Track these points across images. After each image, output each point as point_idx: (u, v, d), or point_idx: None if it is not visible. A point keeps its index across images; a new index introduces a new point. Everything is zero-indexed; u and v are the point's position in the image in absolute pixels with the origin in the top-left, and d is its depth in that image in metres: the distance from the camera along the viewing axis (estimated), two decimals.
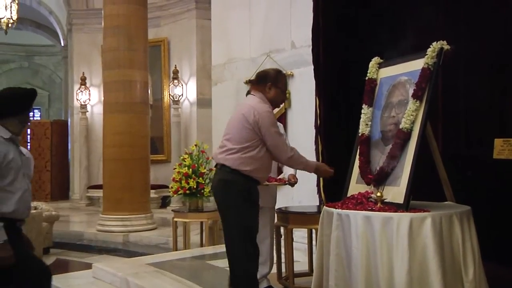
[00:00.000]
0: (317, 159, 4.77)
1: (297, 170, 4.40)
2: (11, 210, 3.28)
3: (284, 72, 6.26)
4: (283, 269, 4.57)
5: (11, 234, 3.25)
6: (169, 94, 11.96)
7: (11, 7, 11.99)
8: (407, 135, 3.29)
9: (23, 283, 3.31)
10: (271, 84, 3.70)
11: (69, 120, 14.50)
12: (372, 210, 3.16)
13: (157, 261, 5.86)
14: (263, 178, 3.71)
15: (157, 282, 4.94)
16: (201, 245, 7.28)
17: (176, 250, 7.13)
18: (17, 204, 3.31)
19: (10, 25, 12.15)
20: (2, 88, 3.60)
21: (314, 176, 4.83)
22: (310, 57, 5.02)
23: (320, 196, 4.80)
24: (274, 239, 4.54)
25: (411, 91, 3.37)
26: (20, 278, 3.30)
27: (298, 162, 3.71)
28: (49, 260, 7.57)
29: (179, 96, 11.85)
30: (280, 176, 4.49)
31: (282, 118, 6.15)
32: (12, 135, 3.37)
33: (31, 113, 3.61)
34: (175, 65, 11.95)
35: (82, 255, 8.28)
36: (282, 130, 4.52)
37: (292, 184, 4.43)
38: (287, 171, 4.38)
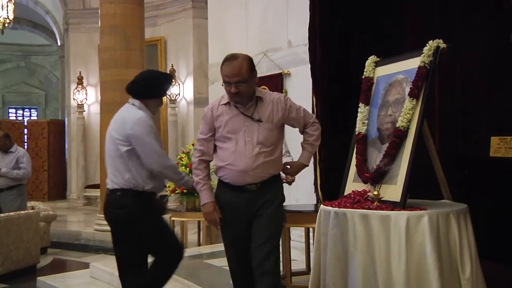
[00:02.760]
0: (314, 158, 4.78)
1: None
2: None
3: (281, 70, 6.30)
4: (281, 268, 4.57)
5: None
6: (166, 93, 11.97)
7: (7, 6, 11.96)
8: (403, 133, 3.29)
9: None
10: None
11: (66, 119, 14.49)
12: (369, 208, 3.17)
13: None
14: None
15: None
16: (199, 244, 7.27)
17: None
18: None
19: (6, 24, 12.11)
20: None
21: (311, 175, 4.85)
22: (307, 56, 5.03)
23: (317, 195, 4.81)
24: None
25: (407, 90, 3.38)
26: None
27: None
28: (46, 260, 7.56)
29: (176, 95, 11.85)
30: None
31: None
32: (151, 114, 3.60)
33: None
34: (172, 64, 11.94)
35: (80, 255, 8.27)
36: None
37: (290, 183, 4.43)
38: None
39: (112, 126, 3.60)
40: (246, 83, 3.06)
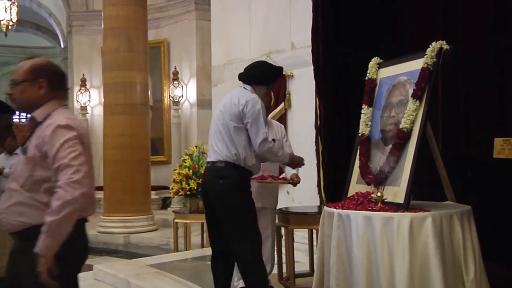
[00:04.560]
0: (318, 159, 4.77)
1: (299, 170, 4.41)
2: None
3: (284, 73, 6.30)
4: (284, 270, 4.57)
5: None
6: (169, 95, 11.97)
7: (11, 9, 12.03)
8: (407, 135, 3.29)
9: None
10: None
11: None
12: (372, 210, 3.17)
13: (158, 262, 5.87)
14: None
15: (158, 283, 4.95)
16: (202, 246, 7.28)
17: (177, 251, 7.14)
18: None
19: (10, 27, 12.19)
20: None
21: (315, 176, 4.84)
22: (310, 58, 5.02)
23: (320, 197, 4.80)
24: (275, 240, 4.55)
25: (411, 91, 3.38)
26: None
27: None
28: None
29: (179, 97, 11.86)
30: (282, 176, 4.49)
31: (282, 119, 6.15)
32: None
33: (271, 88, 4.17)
34: (175, 66, 11.96)
35: None
36: (283, 130, 4.57)
37: (295, 184, 4.44)
38: (289, 170, 4.38)
39: (224, 102, 3.89)
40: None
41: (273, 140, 4.00)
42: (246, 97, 3.76)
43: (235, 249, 3.71)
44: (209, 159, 3.86)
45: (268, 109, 5.16)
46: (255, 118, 3.69)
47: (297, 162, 4.09)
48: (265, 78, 3.97)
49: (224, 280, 3.90)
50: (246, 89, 3.88)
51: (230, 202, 3.68)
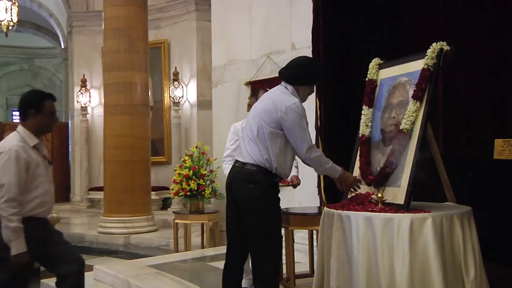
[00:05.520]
0: None
1: (299, 171, 4.40)
2: None
3: None
4: (284, 271, 4.57)
5: None
6: (170, 96, 11.96)
7: (11, 9, 12.02)
8: (407, 136, 3.29)
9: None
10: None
11: (69, 122, 14.50)
12: (372, 211, 3.17)
13: (158, 262, 5.86)
14: None
15: (158, 284, 4.94)
16: (202, 246, 7.28)
17: (177, 251, 7.14)
18: None
19: (10, 27, 12.17)
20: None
21: (315, 178, 4.85)
22: None
23: (320, 197, 4.81)
24: None
25: (411, 92, 3.38)
26: None
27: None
28: None
29: (180, 97, 11.85)
30: None
31: None
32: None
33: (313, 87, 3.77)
34: (175, 67, 11.95)
35: (83, 257, 8.25)
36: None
37: (295, 186, 4.44)
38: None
39: (261, 105, 3.59)
40: None
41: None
42: (287, 102, 3.43)
43: (255, 257, 3.55)
44: (238, 158, 3.60)
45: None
46: (296, 126, 3.41)
47: (349, 182, 3.56)
48: (310, 79, 3.62)
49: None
50: (287, 89, 3.56)
51: (258, 209, 3.48)
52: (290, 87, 3.55)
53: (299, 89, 3.55)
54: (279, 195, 3.60)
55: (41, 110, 3.52)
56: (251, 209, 3.49)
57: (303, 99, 3.59)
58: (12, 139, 3.46)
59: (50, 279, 5.97)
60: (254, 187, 3.46)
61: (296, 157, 4.50)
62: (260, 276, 3.52)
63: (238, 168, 3.57)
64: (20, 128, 3.52)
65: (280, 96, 3.51)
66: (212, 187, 7.24)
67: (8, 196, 3.28)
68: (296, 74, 3.55)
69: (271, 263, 3.50)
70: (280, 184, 4.35)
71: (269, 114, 3.45)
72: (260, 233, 3.48)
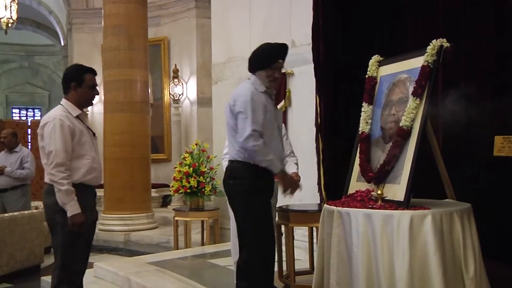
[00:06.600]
0: (318, 157, 4.78)
1: (299, 168, 4.40)
2: None
3: (285, 70, 6.30)
4: (284, 268, 4.58)
5: None
6: (169, 93, 11.95)
7: (11, 7, 11.99)
8: (407, 133, 3.29)
9: None
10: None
11: None
12: (372, 208, 3.17)
13: (159, 260, 5.88)
14: None
15: (158, 281, 4.95)
16: (202, 244, 7.29)
17: (177, 249, 7.15)
18: None
19: (10, 25, 12.14)
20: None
21: (315, 174, 4.85)
22: (310, 56, 5.02)
23: (320, 194, 4.81)
24: (276, 238, 4.54)
25: (411, 89, 3.38)
26: None
27: None
28: (50, 260, 7.56)
29: (180, 95, 11.84)
30: None
31: (283, 117, 6.14)
32: (265, 88, 3.63)
33: (276, 69, 3.68)
34: (175, 64, 11.93)
35: None
36: (283, 129, 4.54)
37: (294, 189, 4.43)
38: (289, 169, 4.38)
39: (230, 99, 3.66)
40: None
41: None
42: (238, 92, 3.55)
43: (242, 253, 3.57)
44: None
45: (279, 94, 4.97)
46: (242, 111, 3.43)
47: (289, 181, 3.67)
48: (261, 62, 3.61)
49: None
50: (249, 79, 3.64)
51: (238, 203, 3.56)
52: (252, 77, 3.65)
53: (257, 75, 3.62)
54: (267, 189, 3.61)
55: (82, 84, 3.74)
56: (232, 205, 3.64)
57: (268, 86, 3.63)
58: (56, 111, 3.68)
59: (50, 277, 5.99)
60: (234, 183, 3.55)
61: (295, 154, 4.53)
62: (240, 274, 3.57)
63: (227, 166, 3.70)
64: (63, 101, 3.75)
65: (238, 88, 3.64)
66: (212, 184, 7.25)
67: (57, 161, 3.52)
68: (250, 61, 3.70)
69: (249, 262, 3.51)
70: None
71: (228, 108, 3.56)
72: (243, 227, 3.55)
